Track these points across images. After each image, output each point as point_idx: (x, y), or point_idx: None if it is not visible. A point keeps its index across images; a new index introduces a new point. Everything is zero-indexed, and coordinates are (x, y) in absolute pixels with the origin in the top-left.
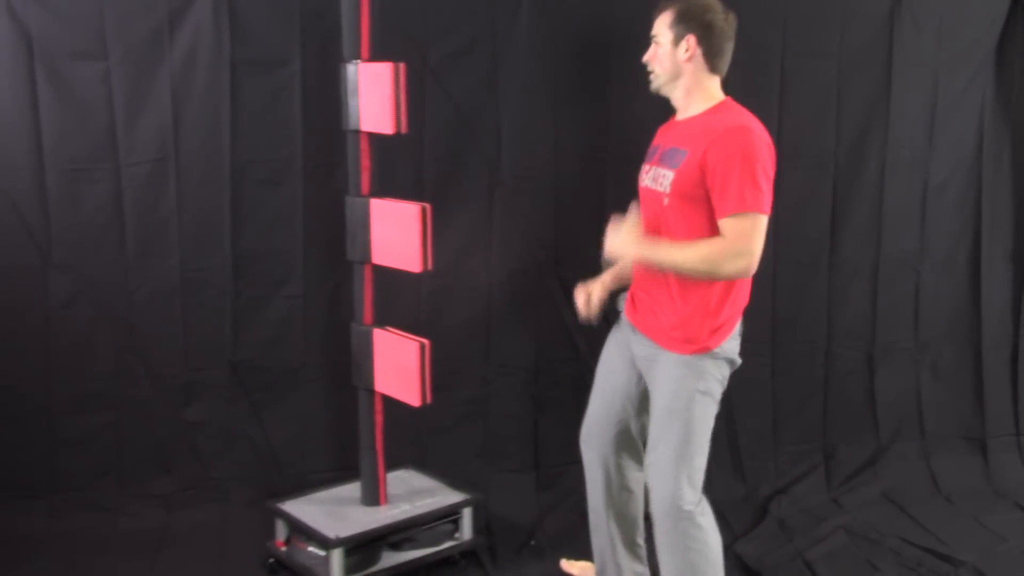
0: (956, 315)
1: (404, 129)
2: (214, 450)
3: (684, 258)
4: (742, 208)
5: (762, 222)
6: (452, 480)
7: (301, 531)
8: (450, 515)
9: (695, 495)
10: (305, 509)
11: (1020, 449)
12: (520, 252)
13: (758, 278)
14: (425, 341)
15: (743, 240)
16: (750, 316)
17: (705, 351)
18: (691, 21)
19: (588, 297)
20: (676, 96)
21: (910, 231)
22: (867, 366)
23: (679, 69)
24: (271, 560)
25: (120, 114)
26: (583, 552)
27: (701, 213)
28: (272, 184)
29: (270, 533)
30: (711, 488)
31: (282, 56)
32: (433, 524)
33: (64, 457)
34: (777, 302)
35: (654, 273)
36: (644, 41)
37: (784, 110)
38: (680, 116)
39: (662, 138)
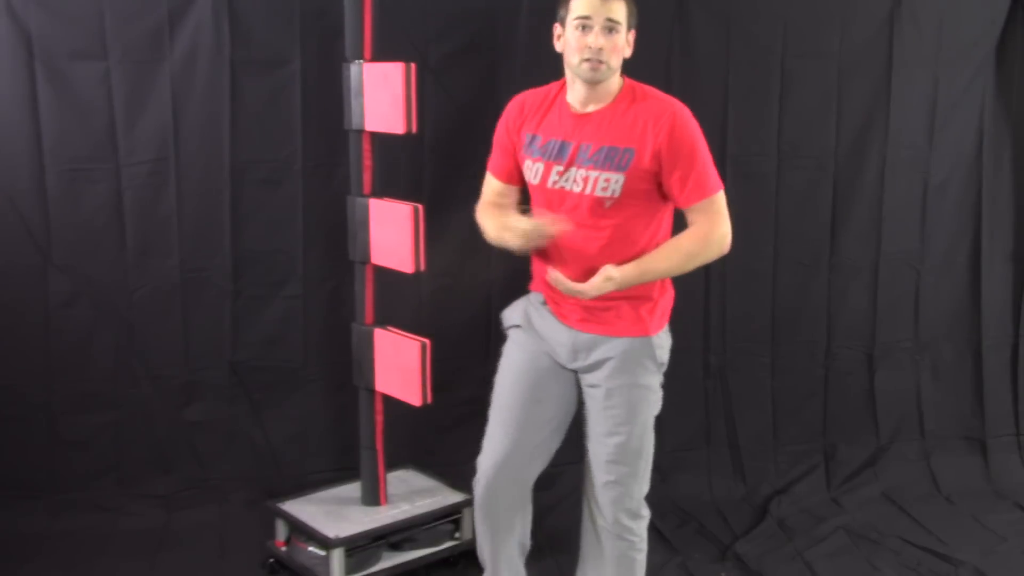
0: (956, 315)
1: (415, 129)
2: (214, 450)
3: (670, 265)
4: (717, 189)
5: (723, 199)
6: (452, 480)
7: (301, 531)
8: (450, 515)
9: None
10: (305, 509)
11: (1020, 449)
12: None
13: (758, 278)
14: (426, 341)
15: (723, 219)
16: (751, 316)
17: (660, 329)
18: (635, 16)
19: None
20: (601, 88)
21: (910, 231)
22: (867, 366)
23: (620, 63)
24: (271, 560)
25: (120, 114)
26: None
27: (650, 203)
28: (272, 184)
29: (270, 533)
30: (711, 488)
31: (282, 56)
32: (433, 524)
33: (64, 457)
34: (777, 302)
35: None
36: (641, 40)
37: (784, 110)
38: (581, 107)
39: (557, 130)
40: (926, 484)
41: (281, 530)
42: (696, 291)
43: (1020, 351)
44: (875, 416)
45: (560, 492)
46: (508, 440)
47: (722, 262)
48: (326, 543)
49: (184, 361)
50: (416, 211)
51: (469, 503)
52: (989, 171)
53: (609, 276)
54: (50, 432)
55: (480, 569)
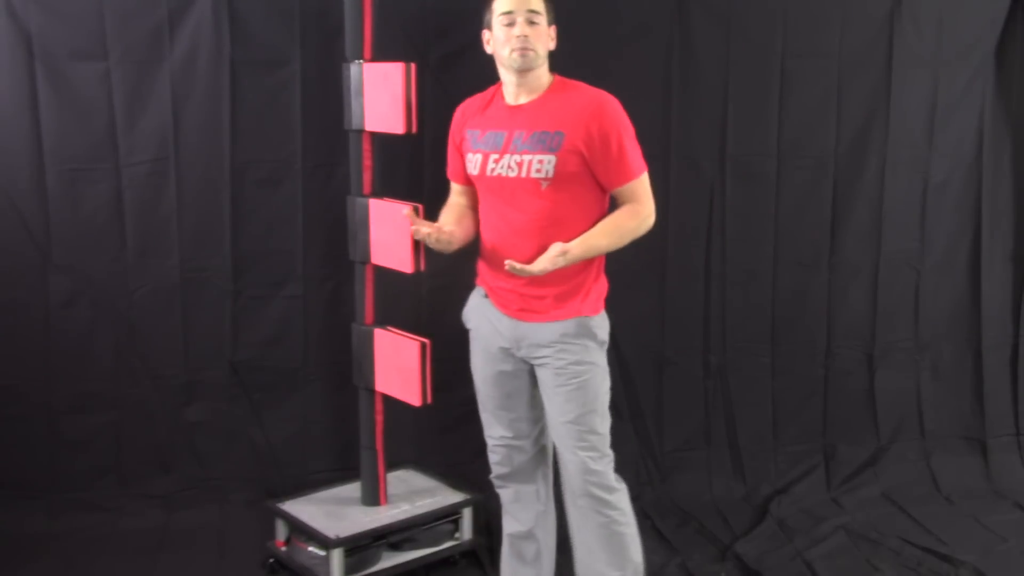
0: (956, 315)
1: (415, 129)
2: (214, 450)
3: (610, 241)
4: (642, 171)
5: (647, 180)
6: (452, 480)
7: (301, 531)
8: (450, 515)
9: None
10: (305, 509)
11: (1020, 449)
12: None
13: (758, 278)
14: (426, 340)
15: (649, 198)
16: (751, 316)
17: (596, 312)
18: (552, 12)
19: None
20: (531, 78)
21: (910, 231)
22: (867, 366)
23: (546, 53)
24: (271, 560)
25: (120, 114)
26: None
27: (583, 188)
28: (272, 184)
29: (270, 533)
30: (711, 488)
31: (282, 56)
32: (433, 524)
33: (64, 457)
34: (777, 302)
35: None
36: (641, 40)
37: (784, 110)
38: (514, 100)
39: (494, 123)
40: (926, 484)
41: (281, 530)
42: (696, 291)
43: (1020, 351)
44: (875, 416)
45: (560, 491)
46: (503, 423)
47: (722, 262)
48: (326, 543)
49: (184, 361)
50: (416, 211)
51: (469, 503)
52: (989, 171)
53: (564, 251)
54: (50, 432)
55: (480, 569)
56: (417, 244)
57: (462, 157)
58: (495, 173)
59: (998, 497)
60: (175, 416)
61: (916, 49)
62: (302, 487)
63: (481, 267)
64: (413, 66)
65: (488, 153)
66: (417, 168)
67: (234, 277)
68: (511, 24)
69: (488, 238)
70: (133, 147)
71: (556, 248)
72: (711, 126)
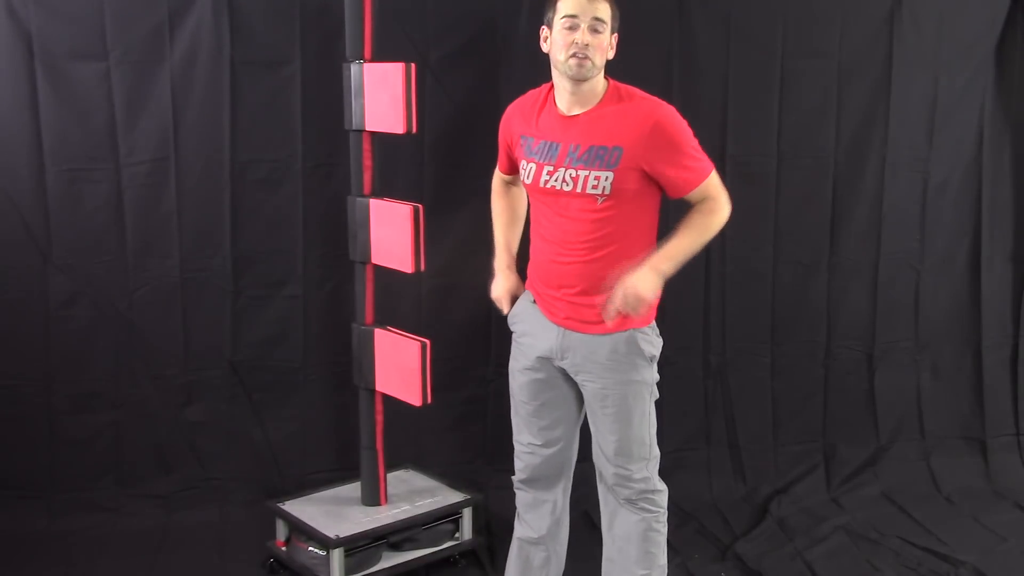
0: (956, 315)
1: (415, 129)
2: (214, 450)
3: (690, 245)
4: (709, 170)
5: (716, 175)
6: (452, 480)
7: (301, 531)
8: (450, 515)
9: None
10: (305, 509)
11: (1020, 449)
12: (520, 251)
13: (758, 278)
14: (426, 341)
15: (719, 195)
16: (751, 316)
17: (647, 323)
18: (618, 19)
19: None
20: (585, 87)
21: (910, 231)
22: (867, 366)
23: (604, 63)
24: (271, 560)
25: (120, 114)
26: (585, 553)
27: (639, 201)
28: (272, 184)
29: (270, 533)
30: (711, 488)
31: (282, 56)
32: (433, 524)
33: (64, 457)
34: (777, 302)
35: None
36: (641, 40)
37: (784, 110)
38: (567, 110)
39: (547, 133)
40: (926, 484)
41: (281, 530)
42: (696, 291)
43: (1020, 351)
44: (875, 416)
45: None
46: (532, 431)
47: (722, 262)
48: (326, 543)
49: (184, 361)
50: (416, 211)
51: (469, 503)
52: (989, 171)
53: (654, 268)
54: (50, 432)
55: (481, 569)
56: (417, 244)
57: (511, 155)
58: (549, 185)
59: (998, 497)
60: (175, 416)
61: (916, 49)
62: (302, 487)
63: (531, 272)
64: (413, 66)
65: (542, 164)
66: (417, 168)
67: (234, 277)
68: (573, 28)
69: (539, 246)
70: (133, 147)
71: (647, 268)
72: (711, 126)
